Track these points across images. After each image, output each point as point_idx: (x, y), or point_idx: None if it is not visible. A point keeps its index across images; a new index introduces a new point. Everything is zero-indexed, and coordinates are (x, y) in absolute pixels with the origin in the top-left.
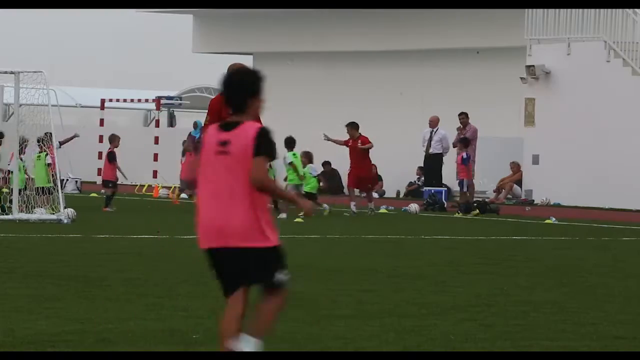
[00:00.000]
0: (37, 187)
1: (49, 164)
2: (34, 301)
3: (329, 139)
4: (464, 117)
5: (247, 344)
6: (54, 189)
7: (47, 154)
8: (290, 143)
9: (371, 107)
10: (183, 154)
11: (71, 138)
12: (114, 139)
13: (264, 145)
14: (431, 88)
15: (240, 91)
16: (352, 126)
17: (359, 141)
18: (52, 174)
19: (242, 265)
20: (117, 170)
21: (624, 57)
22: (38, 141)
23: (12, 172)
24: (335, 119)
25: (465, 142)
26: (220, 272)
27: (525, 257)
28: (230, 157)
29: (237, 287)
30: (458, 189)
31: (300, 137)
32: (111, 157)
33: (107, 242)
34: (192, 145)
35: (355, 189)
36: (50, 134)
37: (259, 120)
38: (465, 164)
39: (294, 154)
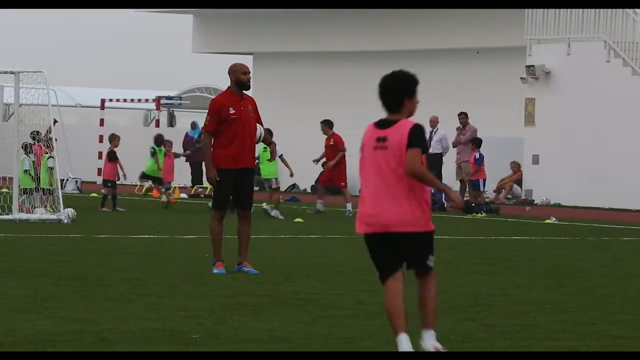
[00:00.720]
0: (42, 188)
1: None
2: (34, 301)
3: (317, 161)
4: (463, 117)
5: (430, 337)
6: (54, 190)
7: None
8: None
9: (371, 107)
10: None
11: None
12: (114, 139)
13: (416, 137)
14: (431, 88)
15: (397, 92)
16: (326, 124)
17: (332, 140)
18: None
19: (400, 248)
20: (119, 168)
21: (624, 57)
22: (38, 141)
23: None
24: (335, 119)
25: (477, 142)
26: (379, 256)
27: (525, 257)
28: (387, 151)
29: (396, 269)
30: (458, 189)
31: (300, 136)
32: (111, 157)
33: (107, 242)
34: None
35: (324, 188)
36: (39, 132)
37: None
38: (479, 164)
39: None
